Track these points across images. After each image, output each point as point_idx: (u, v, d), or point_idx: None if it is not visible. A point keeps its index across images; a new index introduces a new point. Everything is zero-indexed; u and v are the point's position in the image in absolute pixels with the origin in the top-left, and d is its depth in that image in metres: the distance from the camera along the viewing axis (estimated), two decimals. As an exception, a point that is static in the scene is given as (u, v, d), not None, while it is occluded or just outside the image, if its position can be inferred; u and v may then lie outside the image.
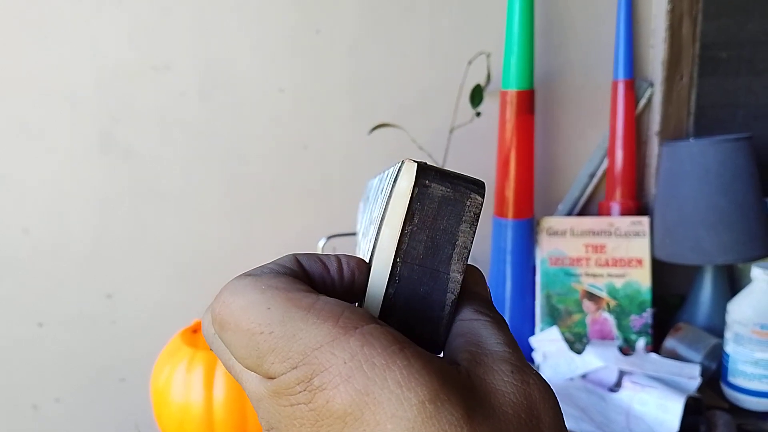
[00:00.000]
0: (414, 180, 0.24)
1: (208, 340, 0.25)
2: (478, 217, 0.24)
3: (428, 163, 0.24)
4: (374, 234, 0.25)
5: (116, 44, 1.13)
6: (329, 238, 1.11)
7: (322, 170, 1.19)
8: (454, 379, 0.20)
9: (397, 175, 0.24)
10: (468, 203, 0.24)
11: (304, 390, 0.20)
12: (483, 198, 0.24)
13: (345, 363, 0.20)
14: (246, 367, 0.23)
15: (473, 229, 0.24)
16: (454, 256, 0.24)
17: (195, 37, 1.13)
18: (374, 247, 0.25)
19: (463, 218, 0.24)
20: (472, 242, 0.24)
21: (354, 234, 1.01)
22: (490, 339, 0.23)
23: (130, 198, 1.18)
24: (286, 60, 1.15)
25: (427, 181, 0.24)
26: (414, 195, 0.24)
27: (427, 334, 0.25)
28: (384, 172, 0.32)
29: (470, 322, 0.25)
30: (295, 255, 0.25)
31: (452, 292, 0.24)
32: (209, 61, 1.14)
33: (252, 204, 1.19)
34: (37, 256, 1.19)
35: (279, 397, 0.21)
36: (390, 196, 0.24)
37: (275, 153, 1.18)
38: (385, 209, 0.24)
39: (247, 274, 0.24)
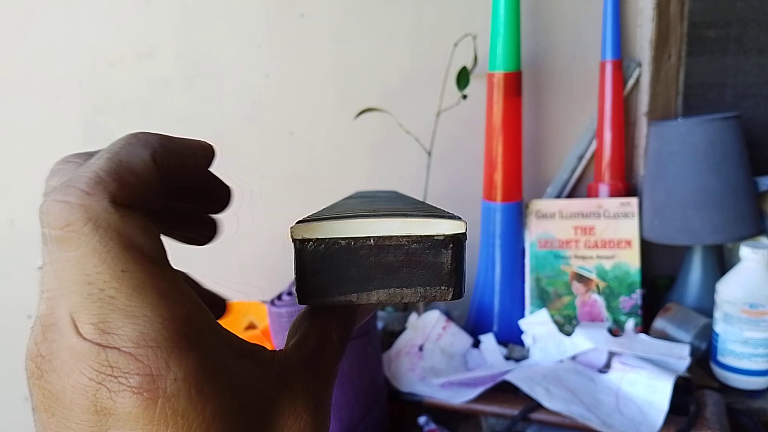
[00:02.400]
0: (453, 233, 0.22)
1: (46, 220, 0.19)
2: (426, 302, 0.24)
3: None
4: (383, 203, 0.24)
5: (98, 32, 1.11)
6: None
7: (309, 156, 1.18)
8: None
9: (444, 216, 0.23)
10: (434, 294, 0.23)
11: (107, 377, 0.17)
12: (447, 300, 0.23)
13: (175, 381, 0.18)
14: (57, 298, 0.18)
15: (422, 300, 0.23)
16: (392, 291, 0.23)
17: (178, 22, 1.12)
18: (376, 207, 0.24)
19: (427, 289, 0.23)
20: (407, 304, 0.23)
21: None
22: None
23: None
24: (271, 45, 1.13)
25: (452, 245, 0.22)
26: (440, 238, 0.23)
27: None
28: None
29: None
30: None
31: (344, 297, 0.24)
32: (193, 47, 1.13)
33: (238, 191, 1.18)
34: (23, 247, 1.18)
35: (81, 359, 0.17)
36: (426, 215, 0.23)
37: (261, 139, 1.17)
38: (412, 214, 0.23)
39: (120, 204, 0.19)
